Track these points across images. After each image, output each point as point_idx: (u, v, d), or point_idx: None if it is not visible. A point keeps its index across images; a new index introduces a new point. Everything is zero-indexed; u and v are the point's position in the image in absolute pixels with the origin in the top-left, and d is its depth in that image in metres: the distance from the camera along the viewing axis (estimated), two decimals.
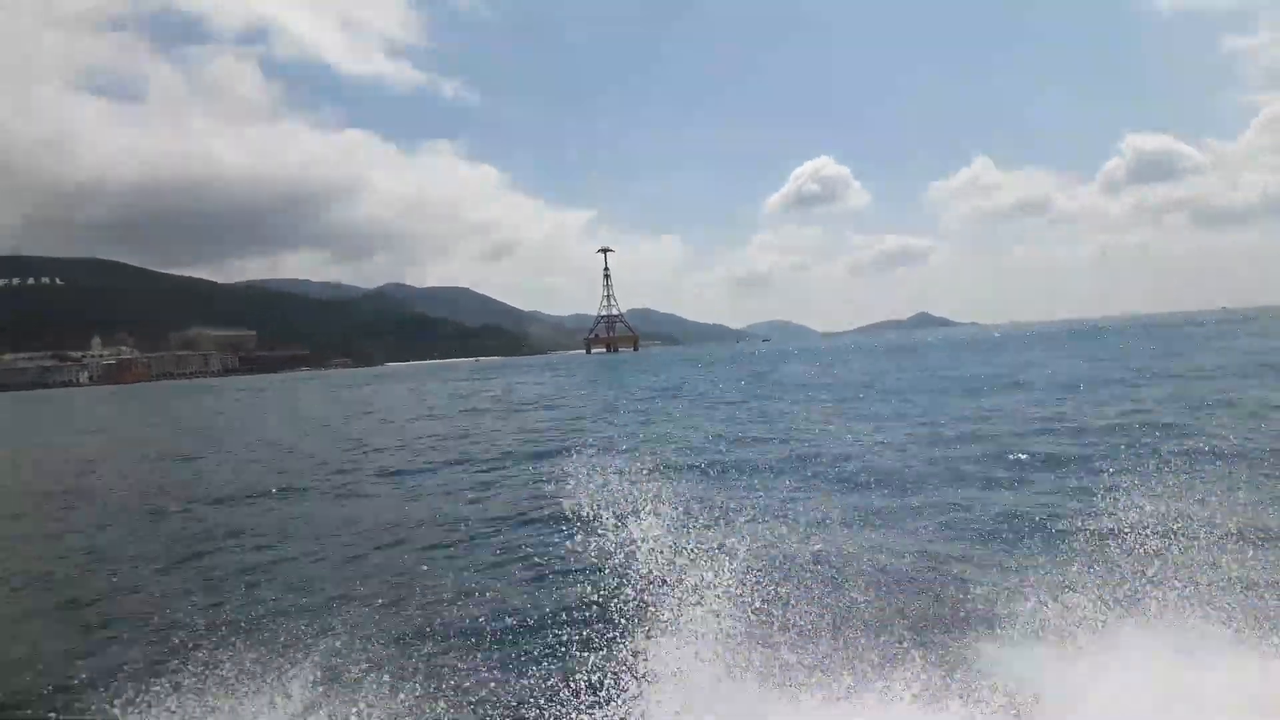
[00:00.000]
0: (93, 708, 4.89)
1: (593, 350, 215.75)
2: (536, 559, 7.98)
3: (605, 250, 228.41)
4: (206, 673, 4.79)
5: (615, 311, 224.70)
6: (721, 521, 6.83)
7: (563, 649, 5.45)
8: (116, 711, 4.56)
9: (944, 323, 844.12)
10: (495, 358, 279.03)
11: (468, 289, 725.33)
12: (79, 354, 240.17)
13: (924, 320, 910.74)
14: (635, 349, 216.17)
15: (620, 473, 6.53)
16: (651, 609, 4.86)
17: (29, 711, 5.28)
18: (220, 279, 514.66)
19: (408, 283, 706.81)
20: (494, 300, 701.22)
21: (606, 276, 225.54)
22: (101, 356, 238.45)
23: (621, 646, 4.90)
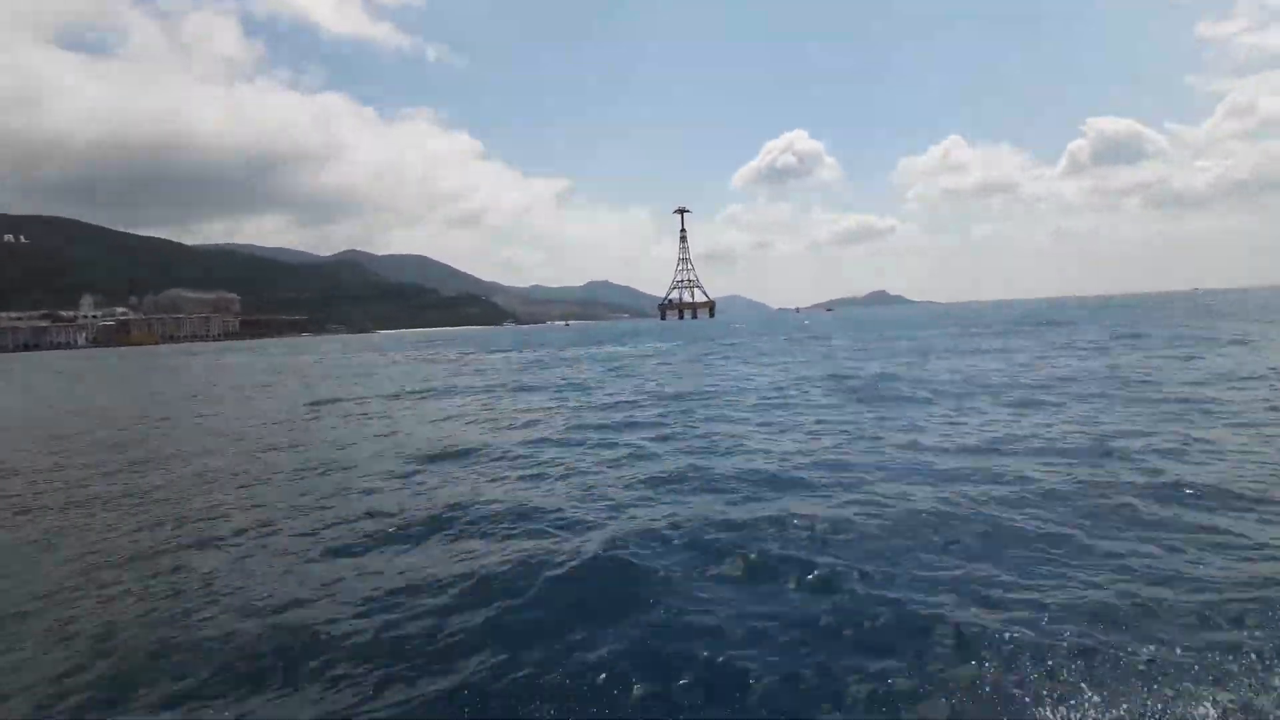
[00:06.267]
0: None
1: (667, 316, 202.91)
2: None
3: (682, 210, 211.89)
4: None
5: (692, 277, 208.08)
6: None
7: None
8: None
9: (900, 301, 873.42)
10: (581, 322, 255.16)
11: (428, 258, 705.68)
12: (70, 314, 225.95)
13: (880, 298, 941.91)
14: (711, 315, 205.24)
15: None
16: None
17: None
18: (184, 241, 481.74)
19: (368, 250, 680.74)
20: (456, 270, 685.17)
21: (683, 239, 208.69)
22: (98, 317, 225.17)
23: None
